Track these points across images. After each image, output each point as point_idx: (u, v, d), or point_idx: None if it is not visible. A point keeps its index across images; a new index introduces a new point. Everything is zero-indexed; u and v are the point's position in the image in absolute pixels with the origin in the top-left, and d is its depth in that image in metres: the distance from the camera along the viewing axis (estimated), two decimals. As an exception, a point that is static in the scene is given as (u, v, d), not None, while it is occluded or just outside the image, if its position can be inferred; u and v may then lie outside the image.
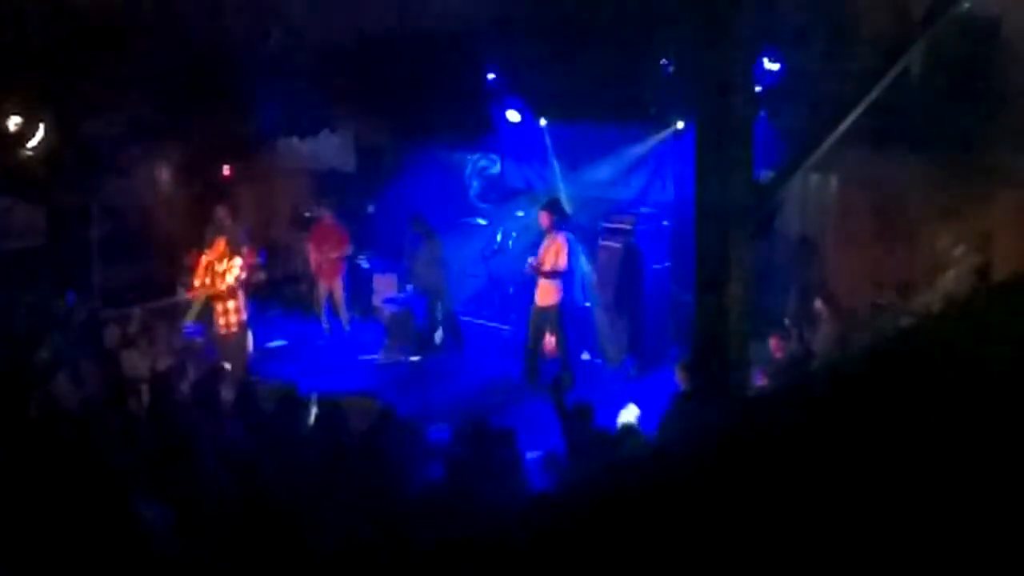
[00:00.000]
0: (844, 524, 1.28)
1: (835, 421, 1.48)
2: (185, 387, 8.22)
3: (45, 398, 7.42)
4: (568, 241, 10.34)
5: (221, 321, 10.14)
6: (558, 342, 10.35)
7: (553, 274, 10.22)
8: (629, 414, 7.17)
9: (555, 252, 10.19)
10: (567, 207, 11.73)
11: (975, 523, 1.21)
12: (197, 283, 10.24)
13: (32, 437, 6.35)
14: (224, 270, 10.07)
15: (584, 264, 11.39)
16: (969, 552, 1.19)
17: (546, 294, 10.31)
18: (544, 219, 10.40)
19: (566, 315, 10.47)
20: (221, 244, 10.22)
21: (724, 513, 1.40)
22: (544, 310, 10.35)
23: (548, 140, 12.25)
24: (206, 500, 5.21)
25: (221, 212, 12.18)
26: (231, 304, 10.12)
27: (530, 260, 10.46)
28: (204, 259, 10.20)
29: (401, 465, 6.22)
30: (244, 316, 10.27)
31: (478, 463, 5.79)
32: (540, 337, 10.43)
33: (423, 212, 11.91)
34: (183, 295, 11.94)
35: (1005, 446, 1.29)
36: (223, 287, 10.03)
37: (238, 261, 10.21)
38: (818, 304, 9.10)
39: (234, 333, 10.18)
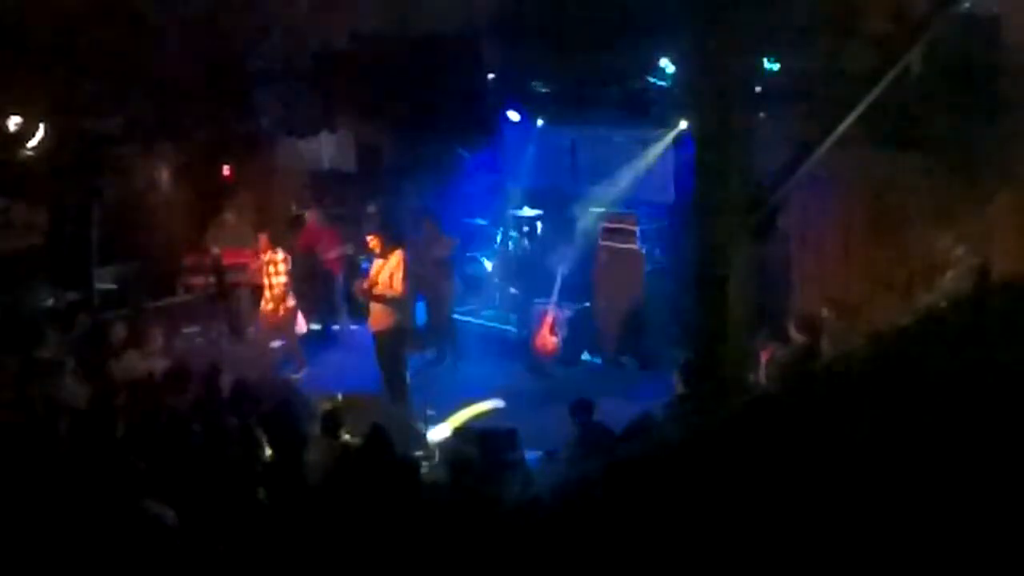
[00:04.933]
0: (845, 521, 1.29)
1: (836, 420, 1.48)
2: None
3: (46, 398, 7.42)
4: (405, 262, 9.61)
5: (272, 306, 10.94)
6: (394, 369, 9.62)
7: (386, 297, 9.52)
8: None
9: (390, 274, 9.50)
10: (566, 207, 11.76)
11: (975, 519, 1.22)
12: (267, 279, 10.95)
13: (33, 437, 6.35)
14: (278, 261, 10.87)
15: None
16: (970, 547, 1.20)
17: (379, 318, 9.63)
18: (374, 243, 9.74)
19: (405, 339, 9.77)
20: (264, 240, 10.98)
21: (724, 510, 1.41)
22: (377, 335, 9.71)
23: (548, 140, 12.25)
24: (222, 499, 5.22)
25: (229, 214, 12.18)
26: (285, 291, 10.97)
27: (359, 283, 9.92)
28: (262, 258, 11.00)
29: (403, 465, 6.23)
30: (293, 302, 11.11)
31: (481, 463, 5.80)
32: (383, 364, 9.73)
33: (432, 210, 11.75)
34: (183, 296, 11.97)
35: (1005, 444, 1.29)
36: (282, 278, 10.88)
37: (281, 254, 10.98)
38: (823, 310, 9.10)
39: (289, 312, 11.04)
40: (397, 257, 9.57)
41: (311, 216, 12.65)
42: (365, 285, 9.74)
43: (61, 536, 4.46)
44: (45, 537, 4.49)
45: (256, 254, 11.22)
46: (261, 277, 11.14)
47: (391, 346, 9.63)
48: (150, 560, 4.39)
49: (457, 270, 12.02)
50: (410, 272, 9.77)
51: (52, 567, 4.40)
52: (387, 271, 9.55)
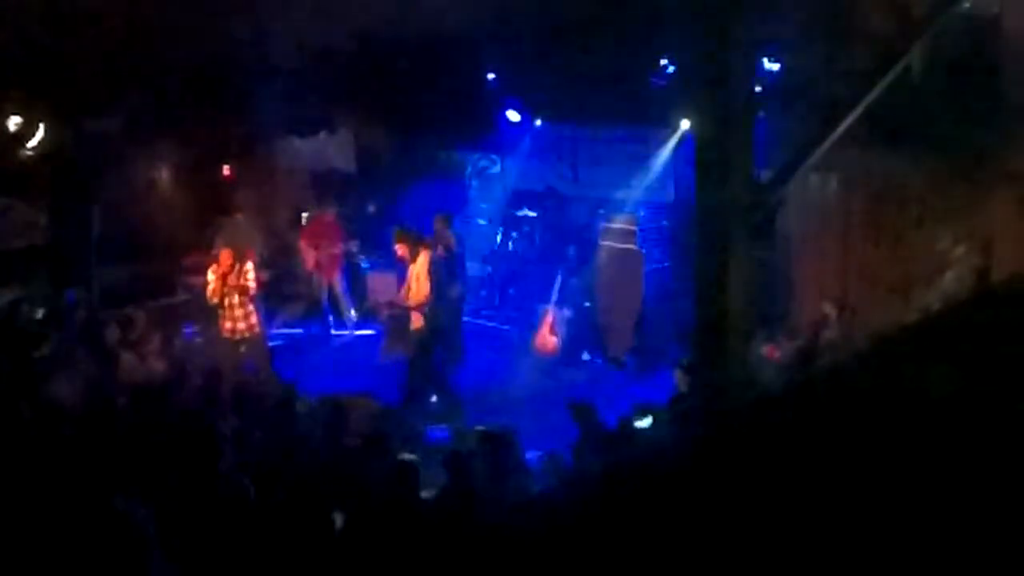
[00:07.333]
0: (843, 522, 1.29)
1: (836, 421, 1.48)
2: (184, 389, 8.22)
3: (44, 398, 7.42)
4: (432, 261, 9.61)
5: (241, 325, 9.94)
6: (426, 363, 9.64)
7: (422, 302, 9.57)
8: None
9: (416, 281, 9.56)
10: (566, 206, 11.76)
11: (973, 521, 1.22)
12: (210, 292, 9.92)
13: (30, 436, 6.35)
14: (238, 274, 9.87)
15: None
16: (970, 548, 1.20)
17: (416, 318, 9.73)
18: (400, 250, 9.71)
19: (437, 337, 9.76)
20: (228, 254, 9.92)
21: (723, 511, 1.41)
22: (411, 332, 9.81)
23: (547, 140, 12.26)
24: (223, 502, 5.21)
25: (238, 216, 12.19)
26: (251, 307, 10.01)
27: (391, 304, 10.08)
28: (214, 270, 9.89)
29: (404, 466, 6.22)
30: (258, 318, 10.18)
31: (481, 464, 5.81)
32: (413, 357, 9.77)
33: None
34: (183, 296, 11.97)
35: (1004, 446, 1.29)
36: (241, 292, 9.87)
37: (250, 265, 10.02)
38: (826, 307, 9.11)
39: (256, 335, 10.15)
40: (423, 258, 9.61)
41: (328, 212, 12.64)
42: (401, 295, 9.76)
43: (55, 536, 4.45)
44: (39, 537, 4.48)
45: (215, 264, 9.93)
46: (215, 293, 9.85)
47: (423, 344, 9.66)
48: (120, 558, 4.36)
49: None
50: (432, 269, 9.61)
51: (21, 565, 4.39)
52: (414, 275, 9.60)
